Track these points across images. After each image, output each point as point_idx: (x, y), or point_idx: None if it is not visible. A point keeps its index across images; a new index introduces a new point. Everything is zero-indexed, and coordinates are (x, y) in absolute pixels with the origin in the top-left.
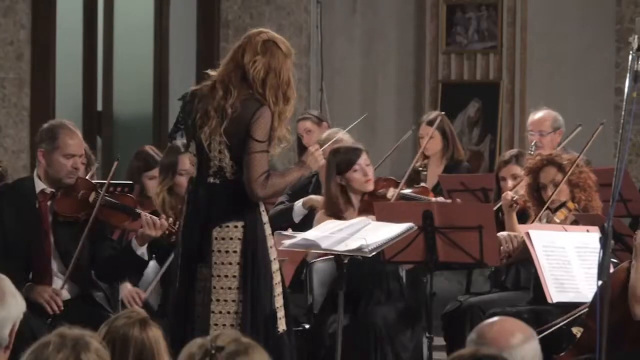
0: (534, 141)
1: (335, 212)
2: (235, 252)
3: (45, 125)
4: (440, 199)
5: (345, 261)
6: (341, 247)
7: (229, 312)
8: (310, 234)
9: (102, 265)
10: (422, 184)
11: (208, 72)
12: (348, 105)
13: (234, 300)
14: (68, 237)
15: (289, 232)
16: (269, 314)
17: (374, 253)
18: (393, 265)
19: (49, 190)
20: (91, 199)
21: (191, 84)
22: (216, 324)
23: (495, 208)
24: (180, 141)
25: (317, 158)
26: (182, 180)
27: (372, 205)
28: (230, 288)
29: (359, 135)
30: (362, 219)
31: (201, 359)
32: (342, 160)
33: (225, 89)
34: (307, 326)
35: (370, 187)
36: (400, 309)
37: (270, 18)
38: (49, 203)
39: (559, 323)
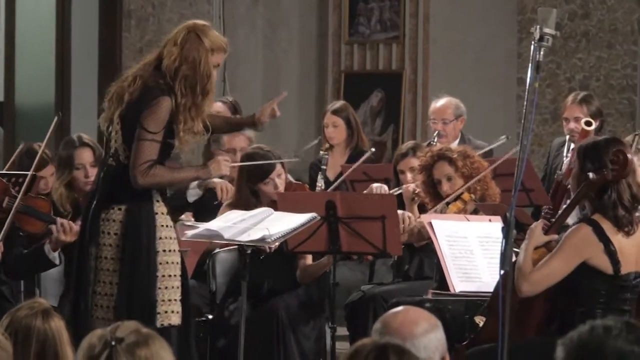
0: (437, 130)
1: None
2: (116, 234)
3: None
4: None
5: (249, 251)
6: (244, 238)
7: (106, 294)
8: (213, 225)
9: (12, 264)
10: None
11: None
12: (251, 95)
13: (111, 283)
14: None
15: (192, 222)
16: (145, 304)
17: (276, 243)
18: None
19: None
20: (5, 203)
21: (94, 74)
22: (96, 305)
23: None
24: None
25: (222, 167)
26: (79, 174)
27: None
28: (108, 270)
29: None
30: (264, 209)
31: (101, 351)
32: (255, 172)
33: (133, 78)
34: (210, 316)
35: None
36: (303, 299)
37: (172, 8)
38: None
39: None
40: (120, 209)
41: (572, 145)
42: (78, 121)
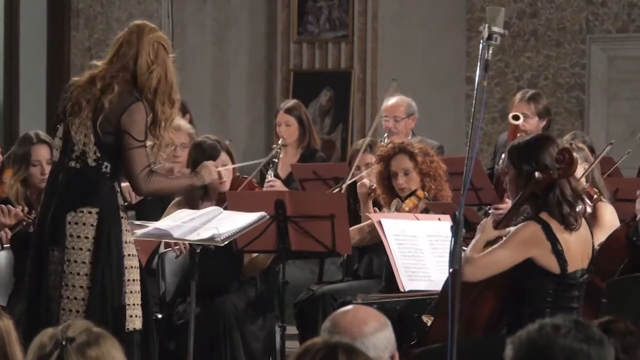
0: (389, 128)
1: (191, 203)
2: (87, 238)
3: None
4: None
5: (198, 251)
6: (193, 237)
7: (76, 298)
8: (162, 224)
9: None
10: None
11: (94, 63)
12: (199, 95)
13: (81, 287)
14: None
15: (141, 221)
16: (117, 309)
17: (226, 242)
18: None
19: None
20: None
21: (42, 73)
22: (64, 309)
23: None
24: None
25: (212, 172)
26: (36, 171)
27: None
28: (79, 274)
29: (210, 124)
30: (214, 208)
31: (52, 350)
32: (198, 162)
33: (106, 85)
34: (159, 316)
35: (224, 188)
36: (252, 298)
37: (120, 6)
38: None
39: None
40: (90, 212)
41: None
42: (26, 120)
